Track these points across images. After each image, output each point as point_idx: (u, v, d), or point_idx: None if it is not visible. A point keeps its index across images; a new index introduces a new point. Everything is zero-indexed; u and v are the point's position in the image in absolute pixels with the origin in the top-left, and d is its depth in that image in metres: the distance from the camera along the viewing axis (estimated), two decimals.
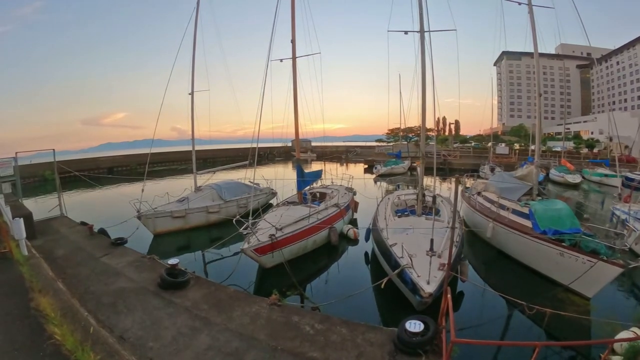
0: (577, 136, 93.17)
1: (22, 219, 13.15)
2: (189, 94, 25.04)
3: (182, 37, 23.31)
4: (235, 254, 16.27)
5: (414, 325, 7.72)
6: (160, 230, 20.22)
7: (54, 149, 24.36)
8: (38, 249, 14.55)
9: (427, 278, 10.21)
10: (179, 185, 27.01)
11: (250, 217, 14.84)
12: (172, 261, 12.18)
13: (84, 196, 38.15)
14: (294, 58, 20.81)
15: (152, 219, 19.92)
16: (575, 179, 41.94)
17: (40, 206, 25.63)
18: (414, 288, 10.19)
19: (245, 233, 14.45)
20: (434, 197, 18.71)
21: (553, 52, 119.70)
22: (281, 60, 21.27)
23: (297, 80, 20.98)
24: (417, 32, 17.27)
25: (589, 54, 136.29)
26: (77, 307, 9.13)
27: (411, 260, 10.93)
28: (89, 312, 9.18)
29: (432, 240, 12.16)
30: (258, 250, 13.85)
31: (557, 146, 71.24)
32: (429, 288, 9.82)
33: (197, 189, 24.80)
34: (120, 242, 15.86)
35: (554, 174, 44.56)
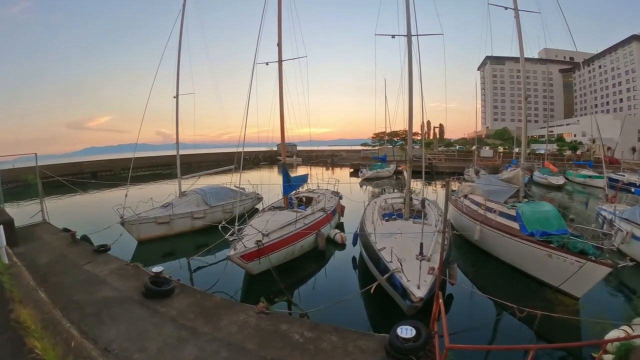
0: (560, 139, 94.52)
1: (1, 225, 12.79)
2: (174, 97, 24.72)
3: (167, 39, 23.04)
4: (221, 260, 16.04)
5: (406, 331, 7.60)
6: (144, 237, 19.87)
7: (36, 153, 23.87)
8: (20, 257, 14.19)
9: (417, 282, 10.12)
10: (163, 191, 26.59)
11: (236, 223, 14.63)
12: (157, 269, 12.00)
13: (67, 202, 37.66)
14: (280, 61, 20.67)
15: (136, 225, 19.56)
16: (558, 180, 42.57)
17: (22, 212, 25.10)
18: (404, 293, 10.08)
19: (231, 239, 14.20)
20: (423, 201, 18.67)
21: (536, 56, 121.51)
22: (267, 64, 21.11)
23: (283, 83, 20.84)
24: (404, 36, 17.29)
25: (571, 58, 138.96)
26: (59, 318, 8.85)
27: (401, 264, 10.82)
28: (72, 323, 8.91)
29: (421, 244, 12.07)
30: (245, 257, 13.61)
31: (541, 149, 72.17)
32: (419, 292, 9.72)
33: (182, 194, 24.48)
34: (103, 249, 15.54)
35: (537, 176, 45.10)
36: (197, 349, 8.07)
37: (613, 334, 8.34)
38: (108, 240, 16.83)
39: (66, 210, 31.89)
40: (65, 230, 18.82)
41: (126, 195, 19.85)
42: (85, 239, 17.74)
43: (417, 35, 17.46)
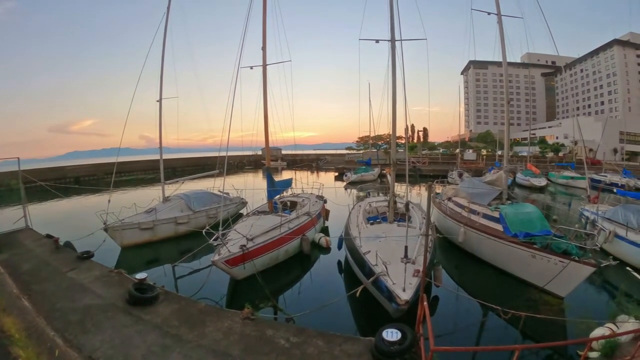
0: (542, 141, 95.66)
1: None
2: (157, 101, 24.49)
3: (151, 42, 22.85)
4: (206, 267, 15.93)
5: (392, 334, 7.65)
6: (127, 243, 19.64)
7: (18, 158, 23.42)
8: (2, 264, 14.11)
9: (403, 285, 10.14)
10: (146, 196, 26.34)
11: (220, 228, 14.54)
12: (140, 275, 11.90)
13: (50, 207, 37.05)
14: (264, 65, 20.63)
15: (120, 231, 19.32)
16: (540, 182, 43.17)
17: (4, 218, 24.75)
18: (390, 296, 10.10)
19: (215, 244, 14.16)
20: (407, 204, 18.74)
21: (519, 60, 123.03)
22: (251, 68, 21.03)
23: (267, 88, 20.79)
24: (388, 40, 17.39)
25: (553, 62, 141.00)
26: (42, 326, 8.76)
27: (386, 267, 10.84)
28: (56, 331, 8.83)
29: (406, 247, 12.11)
30: (229, 262, 13.56)
31: (523, 151, 72.92)
32: (405, 295, 9.74)
33: (165, 199, 24.27)
34: (87, 256, 15.37)
35: (520, 177, 45.60)
36: (182, 357, 8.02)
37: (598, 331, 8.45)
38: (92, 247, 16.65)
39: (49, 215, 31.36)
40: (49, 236, 18.58)
41: (109, 201, 19.61)
42: (68, 245, 17.54)
43: (401, 40, 17.61)
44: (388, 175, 26.42)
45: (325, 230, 22.85)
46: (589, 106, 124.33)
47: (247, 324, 9.53)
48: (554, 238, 13.17)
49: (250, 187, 27.75)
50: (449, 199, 22.15)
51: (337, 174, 66.76)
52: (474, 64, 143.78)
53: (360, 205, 21.09)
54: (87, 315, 10.00)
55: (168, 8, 23.79)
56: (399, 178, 22.05)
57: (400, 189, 27.27)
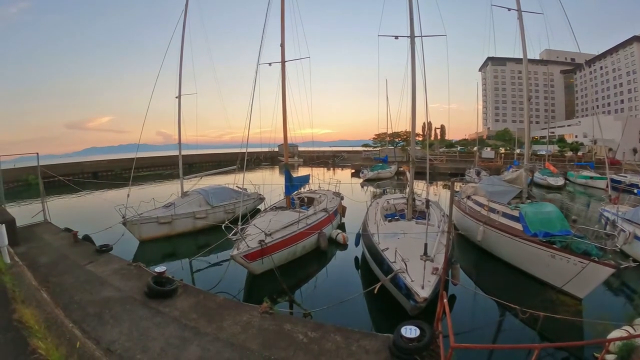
0: (561, 140, 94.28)
1: (3, 225, 12.77)
2: (176, 97, 24.60)
3: (169, 40, 22.98)
4: (224, 260, 16.03)
5: (410, 331, 7.58)
6: (146, 237, 19.83)
7: (37, 153, 23.76)
8: (21, 257, 14.17)
9: (422, 282, 10.09)
10: (165, 191, 26.55)
11: (239, 223, 14.59)
12: (159, 269, 11.92)
13: (68, 201, 37.53)
14: (282, 62, 20.63)
15: (138, 225, 19.53)
16: (557, 181, 42.65)
17: (24, 211, 25.05)
18: (408, 293, 10.05)
19: (234, 239, 14.20)
20: (427, 201, 18.65)
21: (538, 57, 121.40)
22: (270, 64, 21.04)
23: (285, 84, 20.78)
24: (408, 37, 17.27)
25: (572, 59, 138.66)
26: (61, 318, 8.81)
27: (405, 264, 10.79)
28: (74, 323, 8.88)
29: (425, 245, 12.05)
30: (248, 257, 13.62)
31: (542, 150, 72.02)
32: (423, 293, 9.70)
33: (184, 194, 24.39)
34: (105, 249, 15.52)
35: (537, 177, 45.07)
36: (200, 349, 8.03)
37: (615, 334, 8.33)
38: (110, 240, 16.83)
39: (67, 210, 31.77)
40: (67, 230, 18.84)
41: (128, 195, 19.82)
42: (87, 238, 17.70)
43: (421, 36, 17.49)
44: (406, 173, 26.29)
45: (342, 227, 22.84)
46: (609, 104, 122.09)
47: (266, 318, 9.52)
48: (573, 238, 13.00)
49: (268, 182, 27.86)
50: (468, 197, 21.99)
51: (353, 171, 66.72)
52: (492, 61, 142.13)
53: (377, 202, 21.03)
54: (105, 308, 10.07)
55: (186, 6, 23.92)
56: (416, 175, 21.95)
57: (416, 186, 27.13)
